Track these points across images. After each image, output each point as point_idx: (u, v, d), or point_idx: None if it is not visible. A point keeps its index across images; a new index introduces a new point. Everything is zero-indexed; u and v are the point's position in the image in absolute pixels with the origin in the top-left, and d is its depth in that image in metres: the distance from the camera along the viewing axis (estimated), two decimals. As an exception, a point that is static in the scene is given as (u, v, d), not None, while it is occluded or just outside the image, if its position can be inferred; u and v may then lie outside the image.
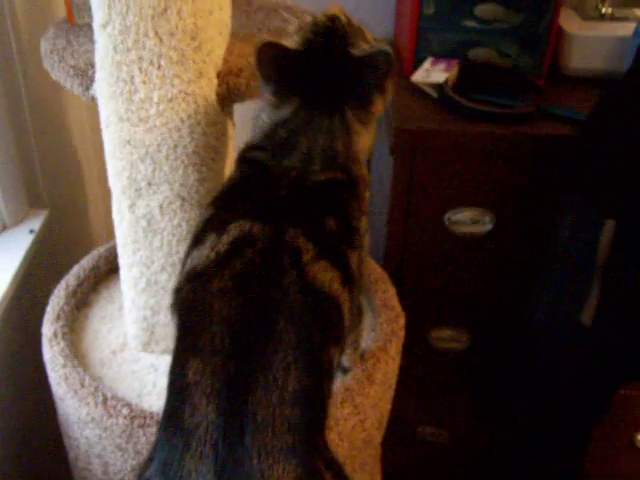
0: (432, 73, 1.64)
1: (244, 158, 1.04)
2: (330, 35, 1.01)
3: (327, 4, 1.77)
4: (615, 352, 1.39)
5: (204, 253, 0.92)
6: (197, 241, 0.96)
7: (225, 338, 0.86)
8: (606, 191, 1.30)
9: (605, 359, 1.41)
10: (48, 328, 1.33)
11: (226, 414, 0.83)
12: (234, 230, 0.92)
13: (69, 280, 1.44)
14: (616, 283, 1.32)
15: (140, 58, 1.04)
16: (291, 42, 1.01)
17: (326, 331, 0.90)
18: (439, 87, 1.59)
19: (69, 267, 1.48)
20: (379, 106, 1.04)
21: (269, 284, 0.88)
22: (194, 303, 0.91)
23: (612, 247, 1.28)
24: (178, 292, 0.95)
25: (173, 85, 1.06)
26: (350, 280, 0.94)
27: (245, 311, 0.87)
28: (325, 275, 0.90)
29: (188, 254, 0.97)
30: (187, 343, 0.90)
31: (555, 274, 1.44)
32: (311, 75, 1.00)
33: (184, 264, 0.98)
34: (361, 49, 1.00)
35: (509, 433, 1.70)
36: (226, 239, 0.92)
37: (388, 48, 0.98)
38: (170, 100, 1.07)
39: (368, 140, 1.05)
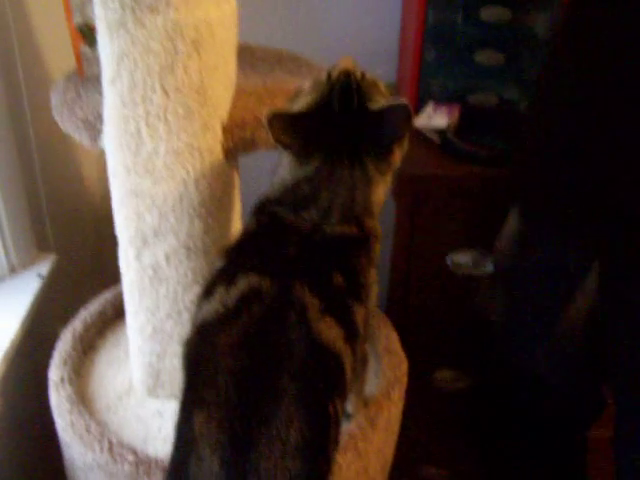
0: (434, 118, 1.67)
1: (262, 211, 1.06)
2: (346, 91, 1.03)
3: (333, 51, 1.81)
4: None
5: (213, 306, 0.94)
6: (207, 293, 0.98)
7: (230, 392, 0.88)
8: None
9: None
10: (55, 373, 1.34)
11: (230, 466, 0.85)
12: (242, 284, 0.94)
13: (76, 324, 1.46)
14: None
15: (147, 112, 1.07)
16: (308, 100, 1.03)
17: (329, 385, 0.91)
18: (441, 132, 1.62)
19: (76, 311, 1.50)
20: (397, 156, 1.06)
21: (275, 339, 0.90)
22: (202, 356, 0.93)
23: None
24: (188, 345, 0.97)
25: (179, 138, 1.08)
26: (354, 336, 0.96)
27: (251, 366, 0.89)
28: (329, 332, 0.92)
29: (199, 305, 0.99)
30: (193, 395, 0.91)
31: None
32: (331, 131, 1.02)
33: (195, 315, 1.00)
34: (379, 103, 1.02)
35: (510, 474, 1.70)
36: (234, 293, 0.94)
37: (405, 100, 1.00)
38: (176, 153, 1.09)
39: (384, 191, 1.08)
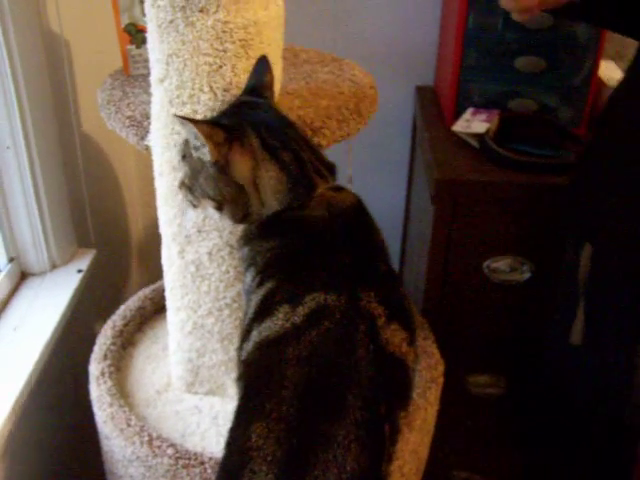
0: (473, 123, 1.67)
1: (279, 222, 1.00)
2: None
3: (373, 54, 1.82)
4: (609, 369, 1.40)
5: (278, 324, 0.92)
6: (265, 314, 0.94)
7: (293, 406, 0.85)
8: (583, 218, 1.35)
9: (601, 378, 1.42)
10: (95, 367, 1.37)
11: None
12: (310, 302, 0.91)
13: (116, 320, 1.48)
14: (597, 304, 1.35)
15: (195, 112, 1.08)
16: None
17: (394, 398, 0.90)
18: (480, 137, 1.62)
19: (115, 306, 1.52)
20: None
21: (343, 354, 0.88)
22: (266, 367, 0.90)
23: (591, 270, 1.32)
24: (247, 363, 0.94)
25: (225, 137, 1.10)
26: (414, 338, 0.95)
27: (316, 381, 0.87)
28: (396, 338, 0.91)
29: (252, 327, 0.95)
30: (253, 405, 0.89)
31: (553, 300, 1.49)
32: None
33: (247, 336, 0.96)
34: None
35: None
36: (302, 311, 0.91)
37: None
38: (222, 152, 1.10)
39: None
